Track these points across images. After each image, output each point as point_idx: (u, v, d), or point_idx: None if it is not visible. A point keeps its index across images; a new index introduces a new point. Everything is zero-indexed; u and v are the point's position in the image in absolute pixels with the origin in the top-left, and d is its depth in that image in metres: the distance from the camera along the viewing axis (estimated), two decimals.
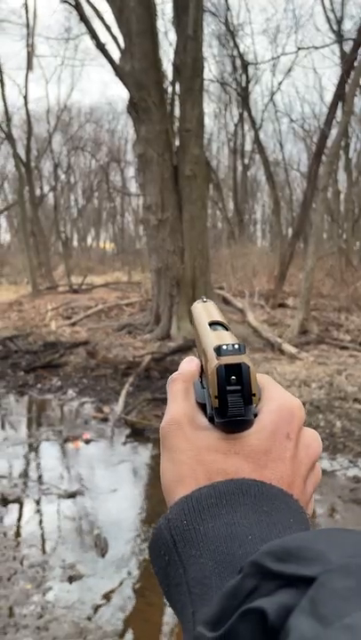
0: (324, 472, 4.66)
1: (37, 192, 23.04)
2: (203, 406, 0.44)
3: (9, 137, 17.25)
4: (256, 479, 0.38)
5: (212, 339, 0.45)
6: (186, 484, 0.39)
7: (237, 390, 0.39)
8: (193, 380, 0.47)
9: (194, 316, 0.54)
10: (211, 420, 0.42)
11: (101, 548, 3.51)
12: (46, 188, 27.18)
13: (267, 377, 0.46)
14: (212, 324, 0.50)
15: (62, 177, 27.65)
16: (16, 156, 17.16)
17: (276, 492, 0.38)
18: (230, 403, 0.39)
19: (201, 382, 0.46)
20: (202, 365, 0.46)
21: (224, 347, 0.41)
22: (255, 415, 0.41)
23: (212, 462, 0.40)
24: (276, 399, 0.43)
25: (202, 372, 0.46)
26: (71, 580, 3.19)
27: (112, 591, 3.12)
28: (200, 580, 0.34)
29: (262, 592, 0.30)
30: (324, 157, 11.69)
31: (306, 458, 0.42)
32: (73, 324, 10.82)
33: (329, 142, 11.53)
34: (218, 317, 0.51)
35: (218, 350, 0.41)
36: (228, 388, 0.39)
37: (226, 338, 0.45)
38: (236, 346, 0.41)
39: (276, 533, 0.36)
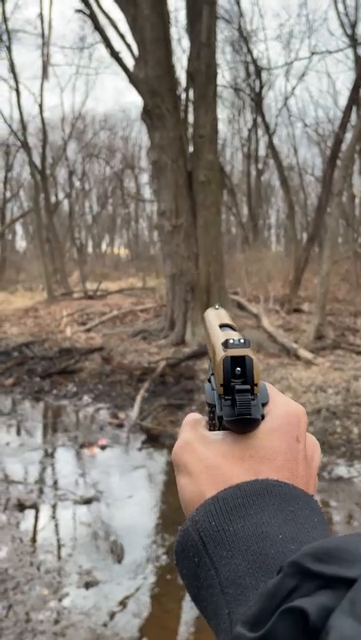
0: (340, 479, 4.62)
1: (53, 199, 23.30)
2: (212, 410, 0.46)
3: (25, 145, 17.47)
4: (279, 480, 0.39)
5: (220, 337, 0.48)
6: (207, 493, 0.39)
7: (244, 386, 0.42)
8: (200, 420, 0.49)
9: (206, 319, 0.57)
10: (220, 419, 0.43)
11: (117, 554, 3.51)
12: (61, 195, 27.49)
13: (269, 384, 0.47)
14: (222, 326, 0.53)
15: (77, 184, 27.93)
16: (31, 163, 17.38)
17: (298, 493, 0.39)
18: (238, 398, 0.41)
19: (211, 385, 0.48)
20: (211, 367, 0.49)
21: (231, 340, 0.44)
22: (263, 416, 0.43)
23: (230, 467, 0.40)
24: (283, 404, 0.44)
25: (212, 375, 0.49)
26: (87, 586, 3.20)
27: (128, 597, 3.12)
28: (234, 581, 0.34)
29: (302, 592, 0.30)
30: (338, 161, 11.62)
31: (313, 462, 0.44)
32: (88, 330, 10.88)
33: (343, 146, 11.47)
34: (228, 321, 0.55)
35: (225, 344, 0.44)
36: (233, 375, 0.42)
37: (233, 336, 0.48)
38: (242, 340, 0.44)
39: (305, 532, 0.36)
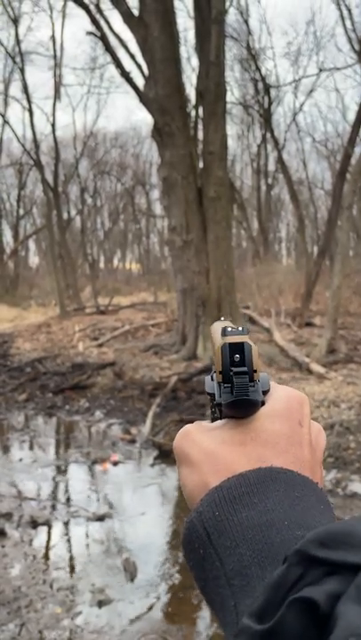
0: (355, 495, 4.55)
1: (65, 216, 23.58)
2: (213, 399, 0.45)
3: (37, 164, 17.77)
4: (283, 467, 0.38)
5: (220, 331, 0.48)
6: (211, 483, 0.38)
7: (241, 369, 0.41)
8: (203, 421, 0.48)
9: (212, 330, 0.58)
10: (219, 406, 0.42)
11: (130, 572, 3.49)
12: (73, 212, 27.82)
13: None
14: (225, 327, 0.53)
15: (89, 201, 28.28)
16: (44, 181, 17.65)
17: (304, 480, 0.38)
18: (236, 380, 0.40)
19: (212, 376, 0.48)
20: (212, 359, 0.48)
21: (229, 328, 0.44)
22: (263, 403, 0.42)
23: (231, 454, 0.39)
24: (283, 389, 0.44)
25: (214, 372, 0.48)
26: (100, 604, 3.18)
27: (141, 616, 3.09)
28: (239, 571, 0.33)
29: (308, 580, 0.29)
30: (348, 175, 11.65)
31: (318, 447, 0.42)
32: (100, 345, 10.93)
33: (353, 160, 11.50)
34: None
35: (223, 331, 0.44)
36: (232, 363, 0.41)
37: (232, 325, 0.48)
38: (240, 328, 0.44)
39: (312, 518, 0.35)
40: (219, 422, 0.42)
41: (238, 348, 0.42)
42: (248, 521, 0.35)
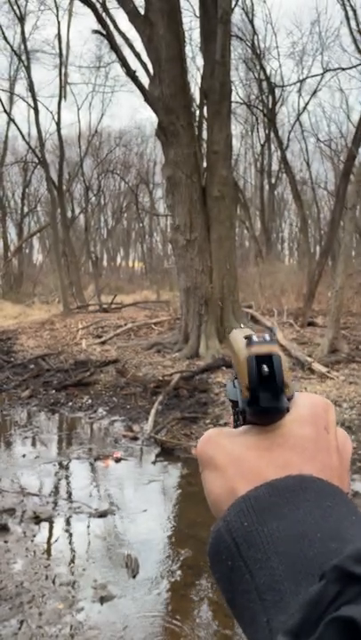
0: (356, 494, 4.56)
1: (69, 214, 23.62)
2: (235, 406, 0.44)
3: (42, 162, 17.78)
4: (313, 475, 0.37)
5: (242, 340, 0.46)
6: (238, 489, 0.37)
7: (269, 381, 0.38)
8: (223, 427, 0.48)
9: (231, 338, 0.54)
10: (242, 413, 0.41)
11: (132, 568, 3.51)
12: (77, 210, 27.83)
13: None
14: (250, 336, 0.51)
15: (93, 199, 28.27)
16: (49, 179, 17.67)
17: (333, 489, 0.36)
18: (262, 394, 0.38)
19: (233, 383, 0.46)
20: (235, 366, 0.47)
21: (255, 337, 0.41)
22: (287, 409, 0.40)
23: (258, 459, 0.38)
24: (307, 396, 0.42)
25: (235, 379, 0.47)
26: (102, 600, 3.19)
27: (143, 613, 3.11)
28: (271, 586, 0.32)
29: (347, 598, 0.28)
30: (351, 176, 11.64)
31: (344, 454, 0.41)
32: (103, 343, 10.96)
33: (357, 161, 11.50)
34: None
35: (249, 339, 0.40)
36: (260, 378, 0.38)
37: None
38: (267, 337, 0.40)
39: (345, 530, 0.34)
40: (242, 428, 0.41)
41: (266, 360, 0.39)
42: (279, 532, 0.33)
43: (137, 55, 10.83)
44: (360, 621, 0.27)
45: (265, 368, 0.38)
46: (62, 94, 18.80)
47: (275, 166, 23.29)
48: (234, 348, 0.45)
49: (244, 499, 0.36)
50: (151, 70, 9.82)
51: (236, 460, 0.39)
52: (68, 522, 4.23)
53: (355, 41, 14.62)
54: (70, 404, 7.73)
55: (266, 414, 0.39)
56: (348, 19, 14.90)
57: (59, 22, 18.56)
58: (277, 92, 19.07)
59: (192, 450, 5.63)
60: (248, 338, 0.41)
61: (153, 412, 6.50)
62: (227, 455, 0.39)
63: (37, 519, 4.17)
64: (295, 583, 0.32)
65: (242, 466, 0.38)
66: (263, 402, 0.38)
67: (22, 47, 18.47)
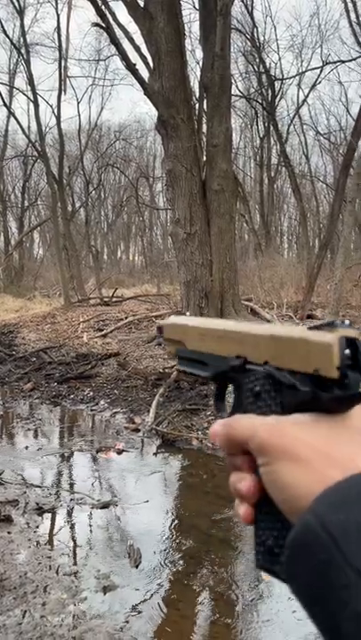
0: None
1: (69, 208, 23.57)
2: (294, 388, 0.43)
3: (42, 155, 17.74)
4: None
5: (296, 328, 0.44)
6: (327, 479, 0.35)
7: (356, 366, 0.39)
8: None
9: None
10: (314, 398, 0.40)
11: (135, 558, 3.55)
12: (78, 204, 27.78)
13: None
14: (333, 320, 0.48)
15: (93, 193, 28.19)
16: (49, 173, 17.62)
17: None
18: (352, 376, 0.38)
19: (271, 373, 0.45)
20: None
21: (337, 321, 0.41)
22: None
23: (340, 447, 0.37)
24: None
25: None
26: (105, 590, 3.23)
27: (145, 602, 3.14)
28: None
29: None
30: (351, 170, 11.63)
31: None
32: (104, 336, 11.00)
33: (356, 154, 11.48)
34: None
35: (331, 324, 0.41)
36: (346, 361, 0.38)
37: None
38: (348, 322, 0.41)
39: None
40: (304, 415, 0.40)
41: (351, 344, 0.39)
42: None
43: (137, 48, 10.79)
44: None
45: (348, 352, 0.39)
46: (62, 88, 18.73)
47: (274, 159, 23.25)
48: (293, 334, 0.43)
49: (334, 490, 0.35)
50: (151, 63, 9.79)
51: (316, 450, 0.37)
52: (70, 513, 4.28)
53: (354, 33, 14.55)
54: (72, 396, 7.78)
55: (351, 401, 0.39)
56: (347, 11, 14.83)
57: (58, 15, 18.44)
58: (277, 85, 19.01)
59: (197, 440, 5.67)
60: (330, 322, 0.41)
61: (154, 404, 6.54)
62: (308, 446, 0.38)
63: (40, 510, 4.22)
64: None
65: (329, 456, 0.37)
66: (353, 385, 0.38)
67: (22, 40, 18.42)
